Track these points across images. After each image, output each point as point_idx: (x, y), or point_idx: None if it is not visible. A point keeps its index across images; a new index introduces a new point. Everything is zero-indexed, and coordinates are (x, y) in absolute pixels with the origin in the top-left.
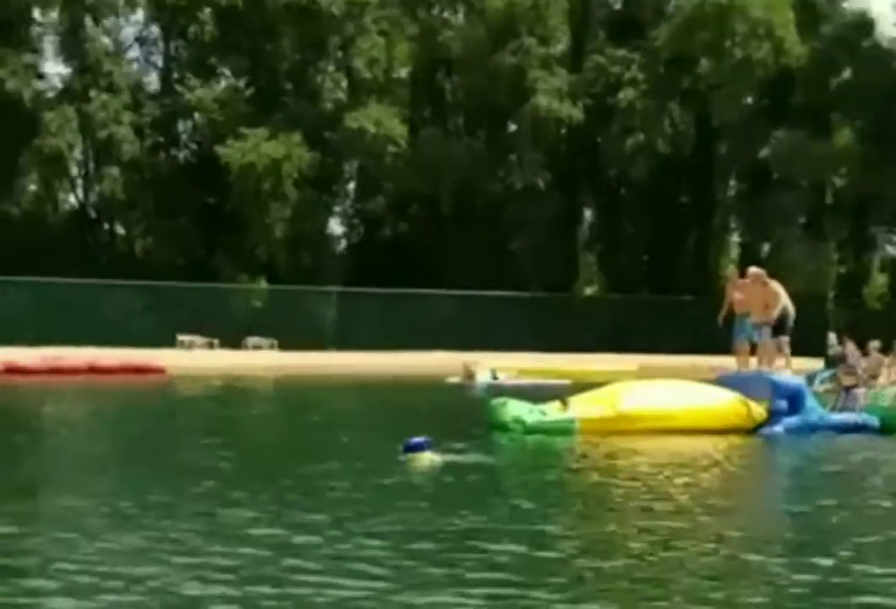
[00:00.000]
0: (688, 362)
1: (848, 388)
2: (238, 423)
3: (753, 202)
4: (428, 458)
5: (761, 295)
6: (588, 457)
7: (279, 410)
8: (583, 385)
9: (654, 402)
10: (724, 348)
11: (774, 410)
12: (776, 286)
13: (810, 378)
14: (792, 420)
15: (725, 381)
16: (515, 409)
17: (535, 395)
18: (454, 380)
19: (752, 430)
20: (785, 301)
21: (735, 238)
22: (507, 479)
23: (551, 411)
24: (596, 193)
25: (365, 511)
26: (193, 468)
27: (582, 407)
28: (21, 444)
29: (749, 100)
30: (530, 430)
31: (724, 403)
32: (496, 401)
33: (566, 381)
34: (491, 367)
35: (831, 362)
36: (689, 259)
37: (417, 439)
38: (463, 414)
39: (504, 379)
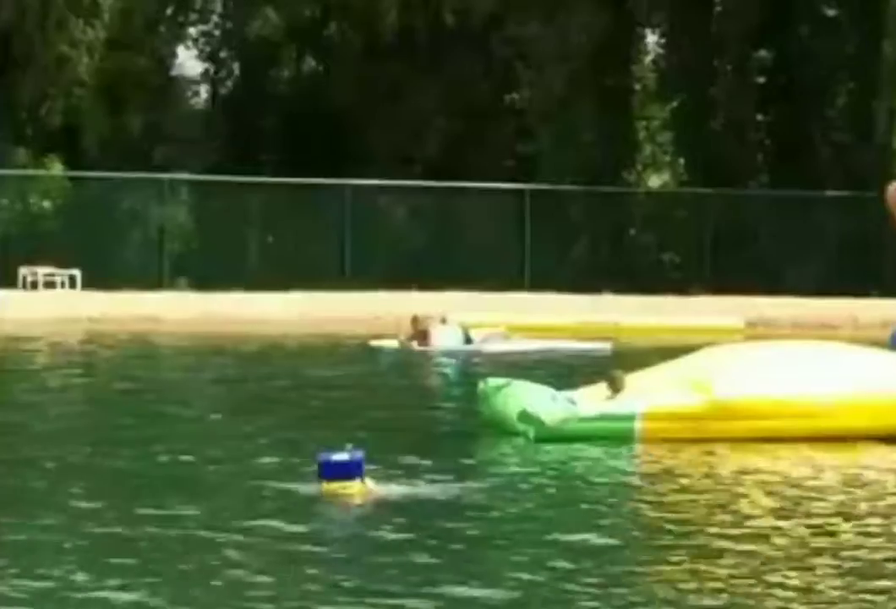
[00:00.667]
0: (841, 309)
1: None
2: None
3: None
4: (359, 491)
5: None
6: (677, 502)
7: (80, 403)
8: (641, 353)
9: (777, 386)
10: None
11: None
12: None
13: None
14: None
15: None
16: (525, 398)
17: (551, 370)
18: (388, 343)
19: None
20: None
21: None
22: (518, 547)
23: (590, 400)
24: (666, 4)
25: None
26: None
27: (646, 392)
28: None
29: None
30: (551, 434)
31: None
32: (490, 383)
33: (604, 346)
34: (460, 320)
35: None
36: (838, 127)
37: (339, 455)
38: (417, 403)
39: (483, 340)
